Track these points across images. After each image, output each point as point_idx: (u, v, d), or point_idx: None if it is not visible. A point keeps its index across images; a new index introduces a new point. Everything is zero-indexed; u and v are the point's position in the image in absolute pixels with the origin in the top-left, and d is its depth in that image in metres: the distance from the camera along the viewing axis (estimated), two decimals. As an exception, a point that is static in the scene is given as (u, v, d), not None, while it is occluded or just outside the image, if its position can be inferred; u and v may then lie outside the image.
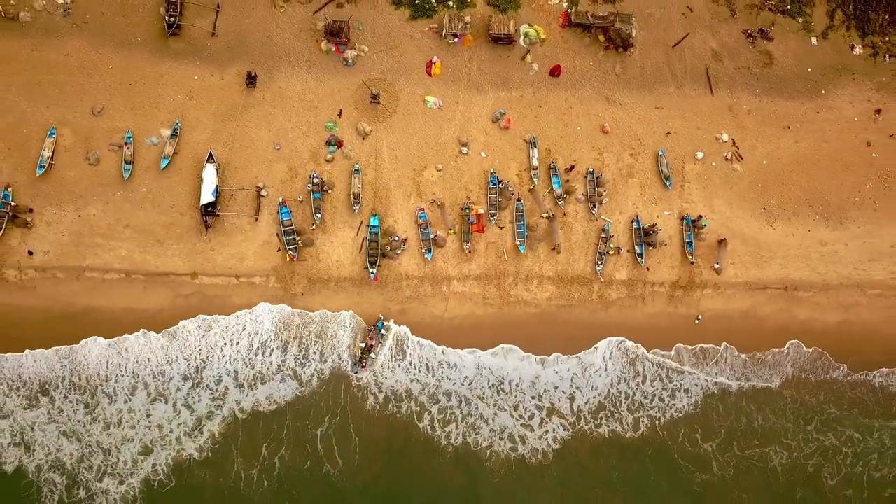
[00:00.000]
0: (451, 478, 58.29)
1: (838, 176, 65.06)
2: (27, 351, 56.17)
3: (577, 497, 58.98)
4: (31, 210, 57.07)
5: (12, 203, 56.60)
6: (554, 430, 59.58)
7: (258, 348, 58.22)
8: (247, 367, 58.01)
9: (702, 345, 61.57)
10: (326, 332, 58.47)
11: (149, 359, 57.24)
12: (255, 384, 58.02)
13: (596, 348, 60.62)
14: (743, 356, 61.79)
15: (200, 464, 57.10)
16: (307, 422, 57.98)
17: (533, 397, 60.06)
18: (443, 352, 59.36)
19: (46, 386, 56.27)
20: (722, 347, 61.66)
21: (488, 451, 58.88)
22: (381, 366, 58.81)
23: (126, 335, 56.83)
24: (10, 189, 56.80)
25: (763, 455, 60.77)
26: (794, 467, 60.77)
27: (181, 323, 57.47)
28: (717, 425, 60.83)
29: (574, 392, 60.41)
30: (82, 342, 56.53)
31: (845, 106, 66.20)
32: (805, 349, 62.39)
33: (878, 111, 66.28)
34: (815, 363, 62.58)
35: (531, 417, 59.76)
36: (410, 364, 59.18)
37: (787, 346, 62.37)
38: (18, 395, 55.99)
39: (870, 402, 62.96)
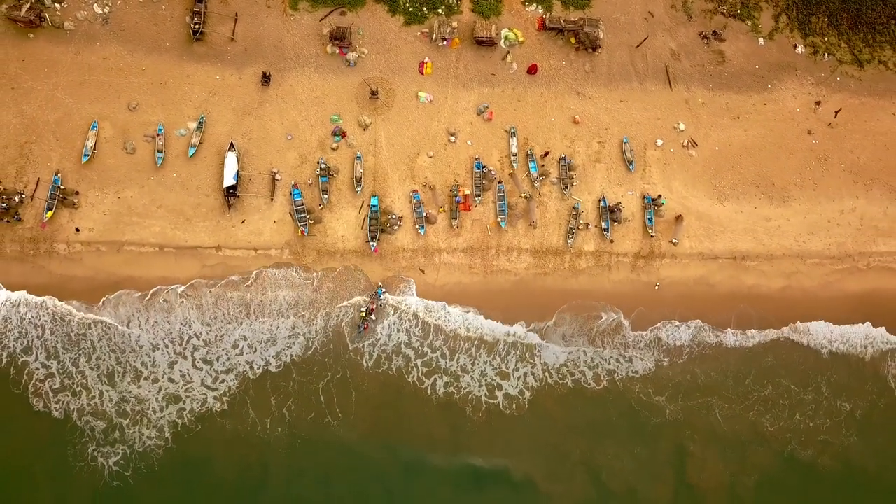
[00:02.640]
0: (437, 422, 67.42)
1: (782, 160, 73.76)
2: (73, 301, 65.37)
3: (547, 438, 67.96)
4: (77, 193, 65.94)
5: (61, 187, 65.37)
6: (526, 376, 68.49)
7: (270, 306, 67.01)
8: (259, 325, 66.78)
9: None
10: (333, 287, 67.53)
11: (168, 322, 65.96)
12: (266, 344, 66.81)
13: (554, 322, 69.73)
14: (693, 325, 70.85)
15: (220, 413, 65.79)
16: (311, 376, 66.77)
17: (507, 354, 68.96)
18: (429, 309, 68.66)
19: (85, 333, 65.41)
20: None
21: (469, 398, 67.79)
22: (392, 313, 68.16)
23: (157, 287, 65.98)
24: (59, 175, 65.61)
25: (708, 404, 69.59)
26: (736, 416, 69.60)
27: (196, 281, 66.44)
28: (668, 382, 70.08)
29: (543, 351, 69.30)
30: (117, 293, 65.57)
31: (788, 98, 74.90)
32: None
33: (818, 103, 74.94)
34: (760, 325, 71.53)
35: (507, 367, 68.63)
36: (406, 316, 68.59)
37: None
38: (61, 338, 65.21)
39: (810, 358, 71.69)
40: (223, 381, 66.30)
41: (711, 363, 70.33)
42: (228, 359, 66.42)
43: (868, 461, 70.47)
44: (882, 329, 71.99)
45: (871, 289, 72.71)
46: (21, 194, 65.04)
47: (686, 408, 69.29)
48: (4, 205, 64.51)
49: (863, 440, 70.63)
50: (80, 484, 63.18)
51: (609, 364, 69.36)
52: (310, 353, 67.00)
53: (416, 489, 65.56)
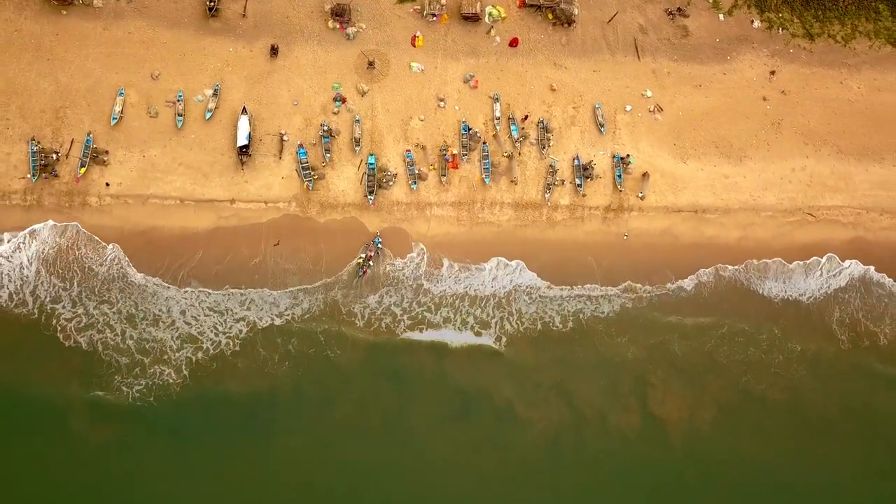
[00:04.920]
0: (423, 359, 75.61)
1: (739, 124, 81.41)
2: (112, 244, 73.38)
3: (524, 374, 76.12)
4: (107, 152, 73.89)
5: (93, 146, 73.38)
6: (502, 322, 76.61)
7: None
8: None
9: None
10: (335, 239, 75.59)
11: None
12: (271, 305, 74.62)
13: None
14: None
15: (233, 354, 73.73)
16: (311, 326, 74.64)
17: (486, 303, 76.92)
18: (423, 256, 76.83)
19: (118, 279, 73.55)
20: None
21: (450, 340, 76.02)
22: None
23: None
24: (91, 135, 73.55)
25: (668, 341, 77.45)
26: (695, 350, 77.48)
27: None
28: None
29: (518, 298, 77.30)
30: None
31: (746, 69, 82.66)
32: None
33: (773, 73, 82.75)
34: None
35: (487, 315, 76.65)
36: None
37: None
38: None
39: (762, 302, 79.68)
40: (233, 326, 74.08)
41: (672, 307, 78.20)
42: (236, 313, 74.27)
43: (815, 396, 78.48)
44: (829, 254, 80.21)
45: (820, 239, 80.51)
46: (57, 153, 73.07)
47: (648, 345, 77.25)
48: (43, 162, 72.62)
49: (810, 376, 78.54)
50: (107, 407, 71.17)
51: (576, 306, 77.32)
52: (310, 312, 74.77)
53: (409, 412, 73.70)
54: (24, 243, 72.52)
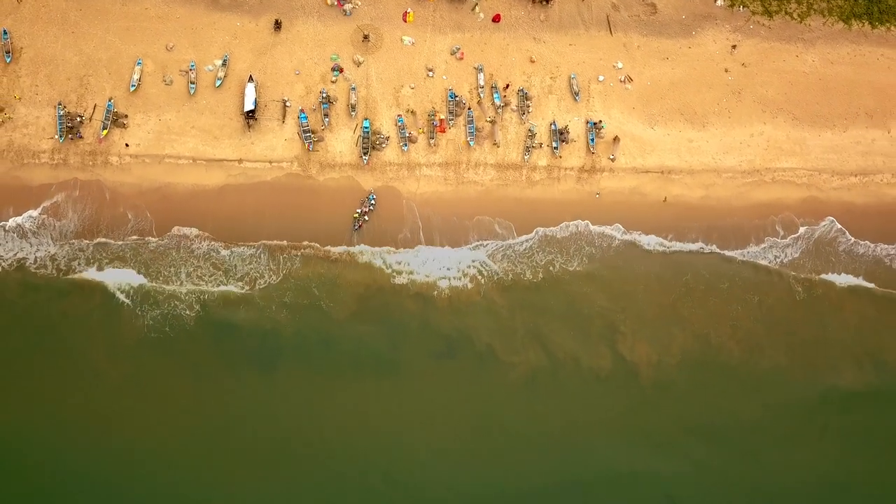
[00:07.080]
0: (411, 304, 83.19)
1: (703, 93, 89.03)
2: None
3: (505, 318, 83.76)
4: (126, 116, 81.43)
5: (114, 111, 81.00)
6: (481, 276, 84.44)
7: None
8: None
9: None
10: (332, 196, 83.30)
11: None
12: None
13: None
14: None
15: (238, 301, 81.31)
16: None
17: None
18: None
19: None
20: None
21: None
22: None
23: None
24: (112, 101, 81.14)
25: (634, 291, 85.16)
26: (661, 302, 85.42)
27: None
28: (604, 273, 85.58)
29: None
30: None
31: (709, 43, 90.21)
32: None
33: (734, 47, 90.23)
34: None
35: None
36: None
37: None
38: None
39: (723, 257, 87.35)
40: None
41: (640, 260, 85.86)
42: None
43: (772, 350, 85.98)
44: (787, 213, 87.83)
45: (775, 198, 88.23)
46: (81, 116, 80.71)
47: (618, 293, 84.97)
48: (69, 124, 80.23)
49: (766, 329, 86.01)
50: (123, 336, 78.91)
51: (549, 256, 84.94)
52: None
53: (398, 350, 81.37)
54: (45, 217, 79.52)
